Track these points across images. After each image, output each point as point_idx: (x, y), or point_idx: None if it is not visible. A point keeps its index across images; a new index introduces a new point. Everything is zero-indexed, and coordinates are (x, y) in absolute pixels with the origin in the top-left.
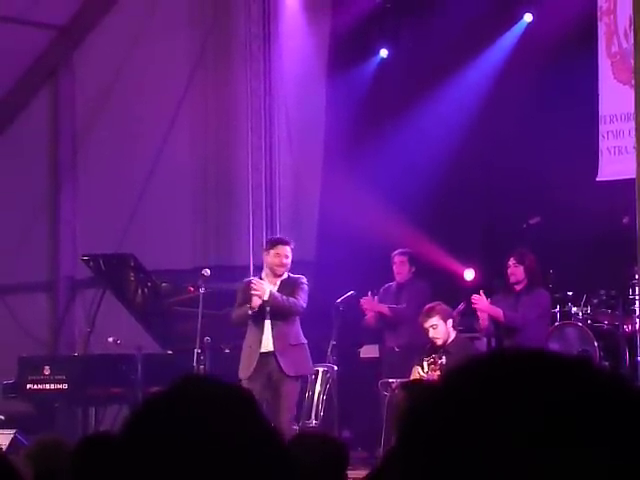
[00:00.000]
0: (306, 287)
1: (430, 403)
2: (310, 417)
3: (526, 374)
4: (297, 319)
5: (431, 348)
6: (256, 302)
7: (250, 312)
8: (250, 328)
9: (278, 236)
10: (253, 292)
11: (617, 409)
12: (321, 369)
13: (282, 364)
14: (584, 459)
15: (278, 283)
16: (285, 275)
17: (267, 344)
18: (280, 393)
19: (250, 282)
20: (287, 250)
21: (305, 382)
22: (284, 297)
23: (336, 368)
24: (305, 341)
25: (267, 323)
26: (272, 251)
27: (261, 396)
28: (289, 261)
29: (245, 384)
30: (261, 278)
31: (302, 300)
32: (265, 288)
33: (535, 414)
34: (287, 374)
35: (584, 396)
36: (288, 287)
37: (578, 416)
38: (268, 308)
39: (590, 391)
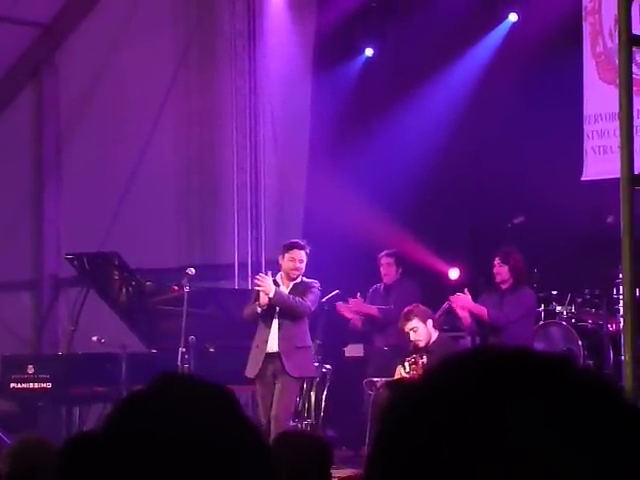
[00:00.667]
0: (317, 291)
1: (409, 402)
2: (310, 416)
3: (507, 373)
4: (305, 322)
5: (414, 349)
6: (263, 299)
7: (259, 310)
8: (259, 327)
9: (294, 240)
10: (257, 287)
11: (598, 409)
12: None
13: (286, 365)
14: (566, 460)
15: (291, 286)
16: (299, 279)
17: (273, 345)
18: (280, 391)
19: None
20: (302, 255)
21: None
22: (291, 296)
23: (329, 367)
24: (311, 344)
25: (275, 323)
26: (287, 255)
27: (265, 395)
28: (303, 265)
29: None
30: (275, 281)
31: (310, 302)
32: (270, 284)
33: (517, 415)
34: (291, 375)
35: (566, 395)
36: (299, 290)
37: (560, 416)
38: (278, 309)
39: (571, 390)
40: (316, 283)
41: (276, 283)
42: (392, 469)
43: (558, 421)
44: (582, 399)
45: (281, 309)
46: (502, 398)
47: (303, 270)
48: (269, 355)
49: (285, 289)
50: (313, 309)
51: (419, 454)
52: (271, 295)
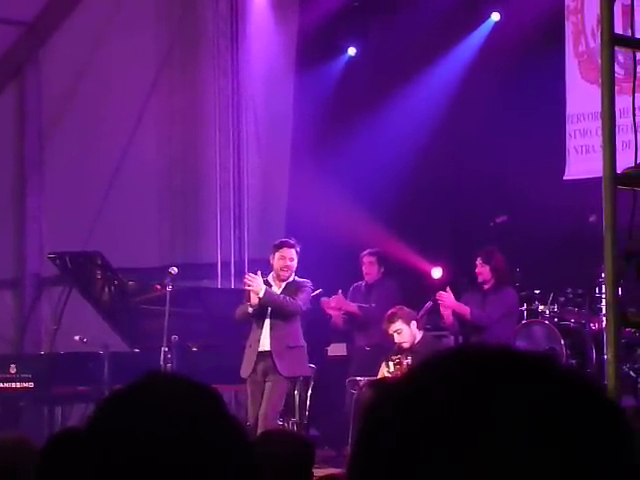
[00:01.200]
0: (309, 290)
1: (392, 402)
2: (295, 415)
3: (490, 372)
4: (297, 321)
5: (399, 349)
6: (254, 299)
7: (250, 310)
8: (252, 327)
9: (283, 239)
10: (247, 286)
11: (581, 407)
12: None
13: (277, 364)
14: (549, 459)
15: (283, 286)
16: (291, 279)
17: (265, 343)
18: (270, 390)
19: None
20: (291, 253)
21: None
22: (281, 296)
23: (313, 366)
24: (304, 344)
25: (267, 323)
26: (277, 254)
27: (254, 393)
28: (294, 264)
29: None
30: (267, 282)
31: (301, 301)
32: (260, 284)
33: (500, 414)
34: (281, 374)
35: (548, 394)
36: (291, 290)
37: (543, 415)
38: (270, 309)
39: (554, 389)
40: (308, 282)
41: (268, 284)
42: (374, 469)
43: (541, 420)
44: (565, 397)
45: (272, 309)
46: (485, 397)
47: (294, 268)
48: (261, 354)
49: (277, 289)
50: (305, 308)
51: (401, 454)
52: (261, 295)
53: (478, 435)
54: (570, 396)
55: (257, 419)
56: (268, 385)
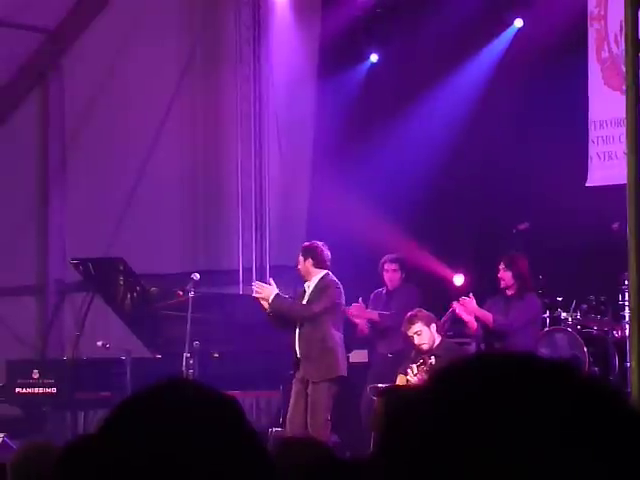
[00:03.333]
0: (332, 291)
1: (413, 408)
2: None
3: (511, 379)
4: (326, 323)
5: (416, 354)
6: (264, 306)
7: (270, 315)
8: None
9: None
10: (255, 295)
11: (603, 415)
12: None
13: (307, 369)
14: (571, 467)
15: (312, 287)
16: (317, 279)
17: (296, 348)
18: (310, 397)
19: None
20: (298, 258)
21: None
22: (290, 301)
23: None
24: (333, 344)
25: (297, 328)
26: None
27: (299, 398)
28: (302, 267)
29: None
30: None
31: (315, 306)
32: (269, 290)
33: (521, 421)
34: (311, 380)
35: (570, 402)
36: (316, 291)
37: (564, 423)
38: None
39: (575, 397)
40: (335, 283)
41: (305, 288)
42: (395, 474)
43: (563, 428)
44: (586, 405)
45: (283, 316)
46: (506, 404)
47: (305, 270)
48: (298, 359)
49: (307, 290)
50: (318, 310)
51: (422, 459)
52: (270, 301)
53: (501, 442)
54: (593, 404)
55: (289, 423)
56: (309, 393)
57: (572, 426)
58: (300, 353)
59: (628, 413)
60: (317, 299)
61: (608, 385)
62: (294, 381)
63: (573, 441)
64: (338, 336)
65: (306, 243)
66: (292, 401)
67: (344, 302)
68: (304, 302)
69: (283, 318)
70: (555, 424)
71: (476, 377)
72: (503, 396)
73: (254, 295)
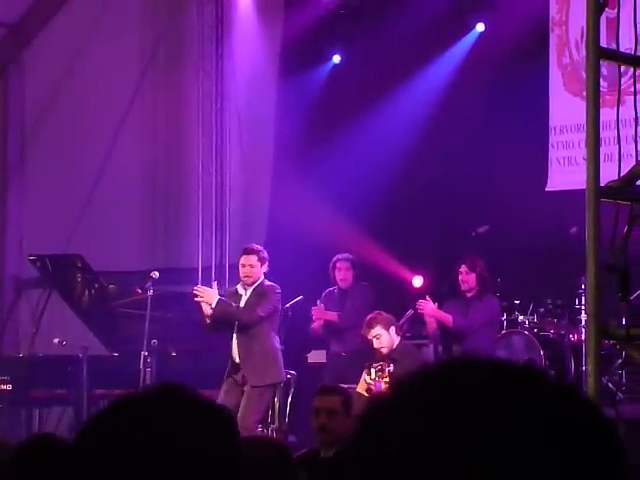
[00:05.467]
0: (273, 296)
1: (385, 415)
2: (274, 421)
3: (485, 385)
4: (264, 327)
5: (379, 356)
6: (205, 310)
7: (207, 321)
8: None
9: (246, 245)
10: (196, 299)
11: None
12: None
13: (246, 374)
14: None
15: (250, 291)
16: (257, 283)
17: (235, 354)
18: (246, 399)
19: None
20: (250, 259)
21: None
22: (234, 306)
23: (293, 373)
24: (273, 349)
25: (234, 334)
26: (240, 260)
27: (228, 394)
28: (254, 270)
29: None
30: (236, 289)
31: (260, 310)
32: (211, 294)
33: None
34: (250, 384)
35: (544, 406)
36: (257, 294)
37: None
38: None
39: (549, 402)
40: (275, 288)
41: (236, 291)
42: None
43: (537, 434)
44: (560, 410)
45: (226, 320)
46: (480, 410)
47: (255, 274)
48: (234, 364)
49: (245, 295)
50: (264, 315)
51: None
52: (213, 305)
53: (477, 448)
54: (566, 408)
55: None
56: (244, 397)
57: (550, 431)
58: (240, 358)
59: (600, 416)
60: (262, 303)
61: (579, 390)
62: (226, 382)
63: (555, 443)
64: (277, 340)
65: (258, 247)
66: (220, 400)
67: (281, 307)
68: (241, 306)
69: (224, 322)
70: (533, 432)
71: (453, 387)
72: (470, 407)
73: (195, 299)
